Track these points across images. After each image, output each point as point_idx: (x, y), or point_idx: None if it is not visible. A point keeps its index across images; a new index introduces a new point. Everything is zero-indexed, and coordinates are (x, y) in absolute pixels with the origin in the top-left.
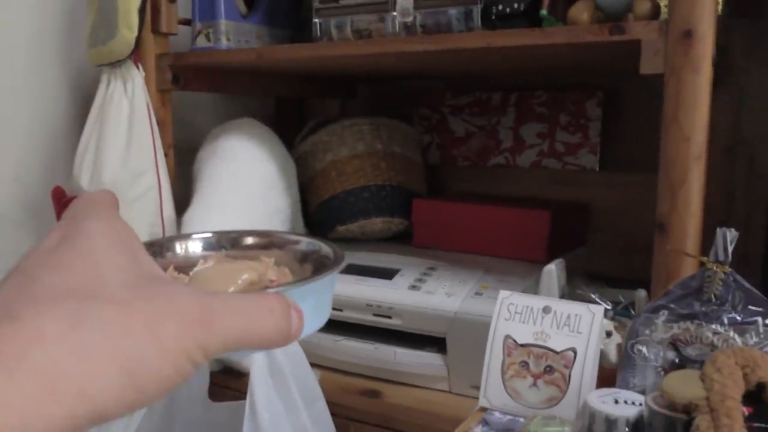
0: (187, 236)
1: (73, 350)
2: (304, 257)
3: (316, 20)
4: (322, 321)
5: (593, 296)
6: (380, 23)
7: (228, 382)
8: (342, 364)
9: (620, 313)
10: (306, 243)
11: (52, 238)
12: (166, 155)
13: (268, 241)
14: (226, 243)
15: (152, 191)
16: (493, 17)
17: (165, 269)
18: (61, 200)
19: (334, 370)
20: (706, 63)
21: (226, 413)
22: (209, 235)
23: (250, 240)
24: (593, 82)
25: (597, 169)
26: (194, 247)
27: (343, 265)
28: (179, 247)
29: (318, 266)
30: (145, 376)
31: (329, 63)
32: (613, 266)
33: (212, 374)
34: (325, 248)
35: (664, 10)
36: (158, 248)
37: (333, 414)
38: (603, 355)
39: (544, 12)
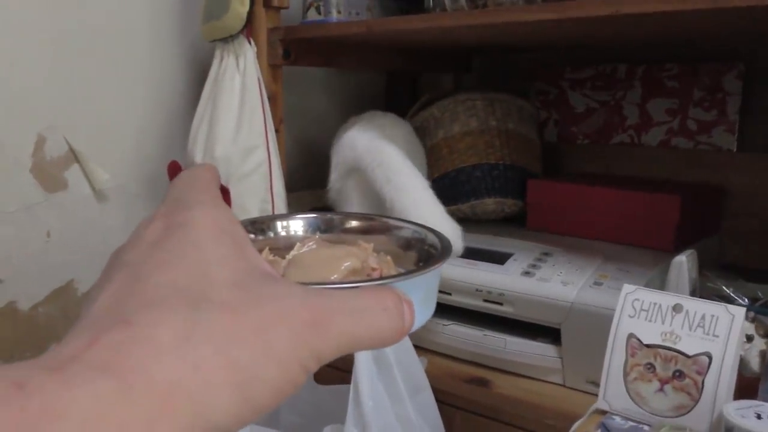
0: (288, 215)
1: (187, 363)
2: (408, 244)
3: None
4: (429, 314)
5: (727, 290)
6: None
7: (333, 361)
8: (449, 350)
9: (758, 310)
10: (411, 230)
11: (155, 228)
12: (276, 131)
13: (370, 226)
14: (327, 225)
15: (263, 167)
16: None
17: (262, 249)
18: (177, 175)
19: (441, 355)
20: None
21: (331, 396)
22: (311, 215)
23: (352, 223)
24: (733, 53)
25: (734, 150)
26: (295, 226)
27: (451, 255)
28: (280, 227)
29: (423, 255)
30: (257, 389)
31: (441, 35)
32: (750, 257)
33: None
34: (431, 237)
35: None
36: (259, 226)
37: (438, 401)
38: (742, 363)
39: None
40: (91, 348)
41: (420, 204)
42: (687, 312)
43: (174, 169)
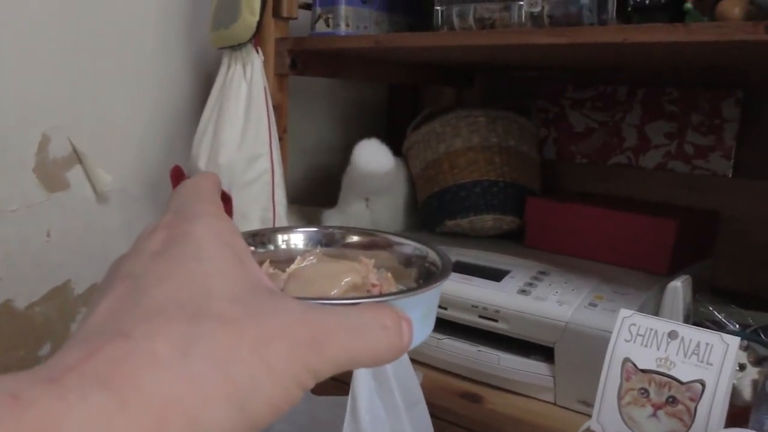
0: (289, 229)
1: (184, 378)
2: (408, 261)
3: (438, 8)
4: (428, 332)
5: (719, 316)
6: (505, 12)
7: None
8: (443, 364)
9: (749, 337)
10: (412, 247)
11: (157, 239)
12: (280, 140)
13: (371, 241)
14: (328, 239)
15: (266, 175)
16: (630, 9)
17: (263, 262)
18: (180, 180)
19: (435, 369)
20: None
21: (328, 407)
22: (312, 229)
23: (353, 238)
24: (732, 80)
25: (730, 175)
26: (296, 240)
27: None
28: (281, 240)
29: (423, 272)
30: (254, 405)
31: (448, 53)
32: (742, 282)
33: None
34: (432, 255)
35: None
36: (260, 239)
37: (430, 415)
38: (735, 391)
39: (688, 5)
40: (88, 361)
41: None
42: (682, 339)
43: (177, 174)
